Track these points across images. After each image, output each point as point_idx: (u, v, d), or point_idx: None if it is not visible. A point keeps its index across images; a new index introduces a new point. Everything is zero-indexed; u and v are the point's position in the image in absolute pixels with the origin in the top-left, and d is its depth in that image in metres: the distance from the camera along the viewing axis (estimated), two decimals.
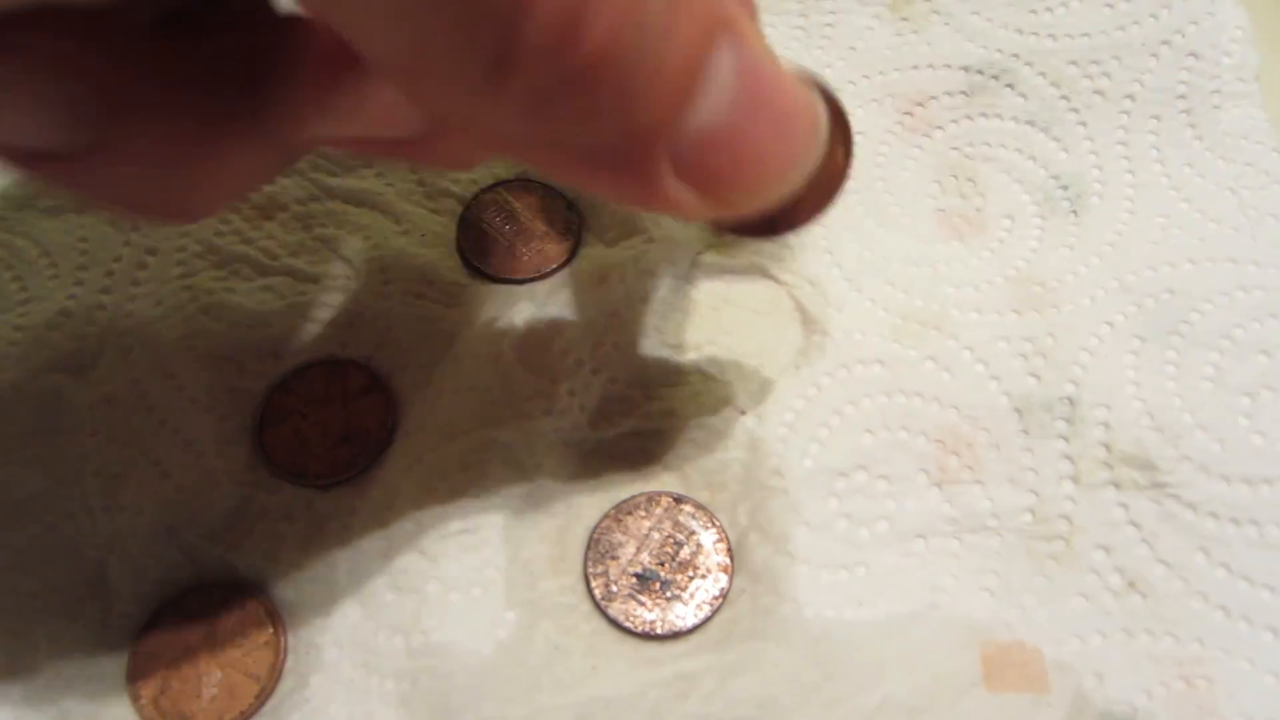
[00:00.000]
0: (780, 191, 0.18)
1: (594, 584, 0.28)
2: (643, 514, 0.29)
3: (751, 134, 0.17)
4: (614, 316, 0.32)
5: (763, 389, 0.31)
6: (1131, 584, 0.28)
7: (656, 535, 0.29)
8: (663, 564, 0.29)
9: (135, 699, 0.27)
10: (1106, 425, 0.30)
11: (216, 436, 0.30)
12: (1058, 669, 0.27)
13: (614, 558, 0.29)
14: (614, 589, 0.28)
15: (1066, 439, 0.30)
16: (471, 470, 0.30)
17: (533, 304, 0.33)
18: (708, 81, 0.16)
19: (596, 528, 0.29)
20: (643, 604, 0.28)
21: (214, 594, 0.28)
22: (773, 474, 0.29)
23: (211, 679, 0.27)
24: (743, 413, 0.31)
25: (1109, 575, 0.28)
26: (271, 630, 0.28)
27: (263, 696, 0.27)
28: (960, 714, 0.26)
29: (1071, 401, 0.30)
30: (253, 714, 0.27)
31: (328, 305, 0.33)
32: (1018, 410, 0.30)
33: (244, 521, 0.29)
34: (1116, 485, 0.29)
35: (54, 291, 0.33)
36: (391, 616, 0.28)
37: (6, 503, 0.29)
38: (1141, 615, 0.27)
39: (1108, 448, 0.29)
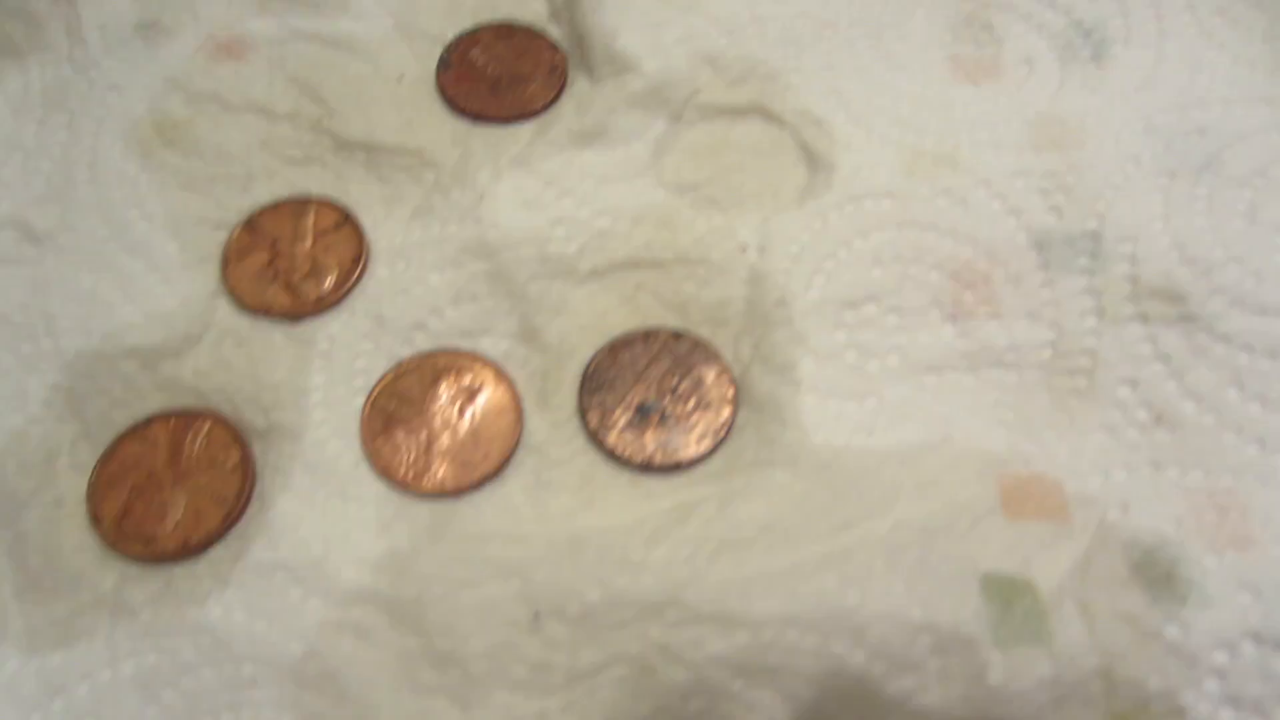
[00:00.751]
0: None
1: (589, 416, 0.27)
2: (640, 349, 0.29)
3: None
4: (604, 155, 0.32)
5: (766, 225, 0.30)
6: (1159, 418, 0.27)
7: (655, 370, 0.28)
8: (663, 397, 0.28)
9: (96, 521, 0.26)
10: (1133, 259, 0.29)
11: (183, 264, 0.29)
12: (1079, 501, 0.26)
13: (610, 390, 0.28)
14: (610, 421, 0.27)
15: (1090, 273, 0.29)
16: (460, 303, 0.29)
17: (518, 145, 0.32)
18: None
19: (591, 362, 0.28)
20: (641, 435, 0.27)
21: (179, 419, 0.27)
22: (776, 305, 0.29)
23: (176, 503, 0.26)
24: (744, 250, 0.30)
25: (1135, 410, 0.27)
26: (239, 455, 0.27)
27: (229, 520, 0.26)
28: (978, 538, 0.25)
29: (1095, 237, 0.29)
30: (219, 537, 0.26)
31: (298, 144, 0.32)
32: (1037, 245, 0.29)
33: (211, 348, 0.28)
34: (1143, 319, 0.28)
35: (12, 131, 0.32)
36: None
37: None
38: (1169, 449, 0.27)
39: (1134, 282, 0.29)
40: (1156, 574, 0.25)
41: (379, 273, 0.30)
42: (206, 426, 0.27)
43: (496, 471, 0.27)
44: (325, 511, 0.26)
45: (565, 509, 0.26)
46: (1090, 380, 0.28)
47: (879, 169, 0.31)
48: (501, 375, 0.28)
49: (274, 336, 0.29)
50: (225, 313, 0.29)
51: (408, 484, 0.26)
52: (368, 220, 0.31)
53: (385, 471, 0.27)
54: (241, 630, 0.25)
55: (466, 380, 0.28)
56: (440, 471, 0.27)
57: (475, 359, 0.28)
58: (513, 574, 0.25)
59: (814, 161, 0.31)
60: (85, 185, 0.31)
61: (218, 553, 0.26)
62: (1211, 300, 0.28)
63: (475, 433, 0.27)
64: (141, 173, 0.31)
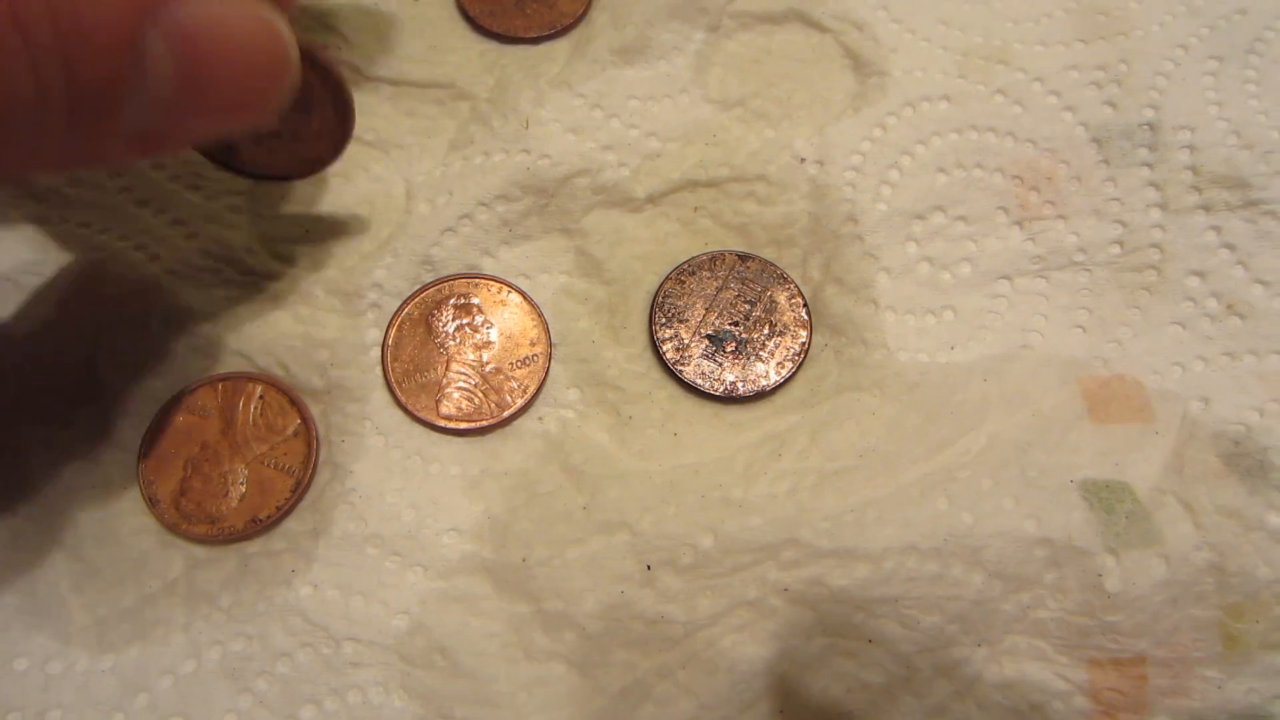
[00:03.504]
0: (254, 121, 0.18)
1: (664, 348, 0.24)
2: (707, 274, 0.25)
3: (204, 95, 0.17)
4: (645, 71, 0.27)
5: (821, 135, 0.27)
6: (1230, 306, 0.25)
7: (725, 296, 0.25)
8: (736, 324, 0.25)
9: (152, 504, 0.22)
10: (1192, 148, 0.26)
11: (206, 214, 0.25)
12: (1161, 398, 0.24)
13: (682, 320, 0.25)
14: (687, 353, 0.24)
15: (1150, 165, 0.26)
16: (514, 242, 0.25)
17: (555, 65, 0.28)
18: (145, 63, 0.16)
19: (658, 291, 0.25)
20: (720, 365, 0.24)
21: (228, 384, 0.24)
22: (845, 220, 0.25)
23: (238, 476, 0.23)
24: (802, 160, 0.26)
25: (1205, 300, 0.25)
26: (299, 419, 0.23)
27: (299, 490, 0.23)
28: (1070, 446, 0.23)
29: (1152, 127, 0.27)
30: (290, 509, 0.23)
31: None
32: (1096, 140, 0.27)
33: (252, 306, 0.24)
34: (1207, 208, 0.26)
35: None
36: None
37: None
38: (1243, 336, 0.25)
39: (1195, 171, 0.26)
40: (1249, 464, 0.23)
41: (420, 210, 0.25)
42: (259, 390, 0.24)
43: (578, 412, 0.24)
44: (407, 474, 0.23)
45: (652, 445, 0.24)
46: (1159, 274, 0.26)
47: (932, 71, 0.27)
48: (509, 288, 0.25)
49: (315, 290, 0.25)
50: (262, 266, 0.25)
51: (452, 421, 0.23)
52: (401, 156, 0.26)
53: (420, 411, 0.23)
54: (337, 608, 0.22)
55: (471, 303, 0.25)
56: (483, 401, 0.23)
57: (473, 280, 0.25)
58: (618, 526, 0.22)
59: (862, 67, 0.28)
60: None
61: (292, 526, 0.23)
62: (1274, 183, 0.26)
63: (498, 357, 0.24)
64: None
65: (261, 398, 0.23)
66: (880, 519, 0.22)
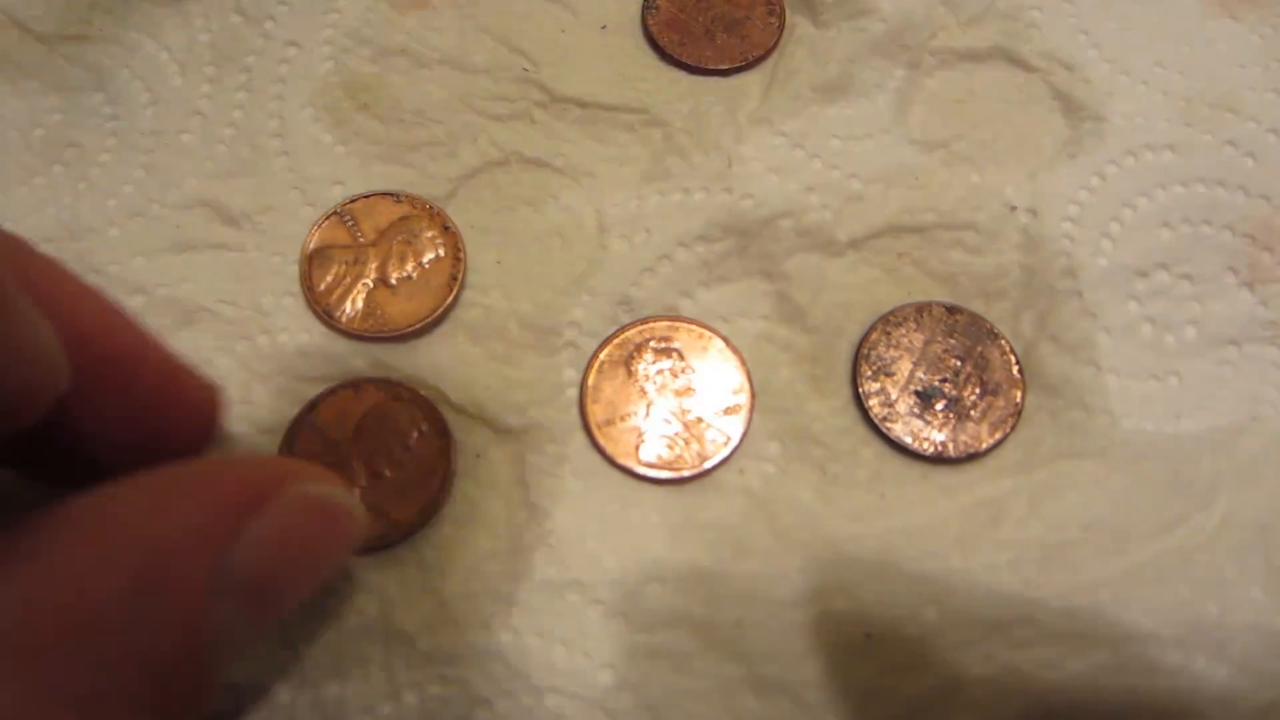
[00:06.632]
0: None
1: (870, 403, 0.24)
2: (913, 326, 0.25)
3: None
4: (847, 110, 0.27)
5: (1033, 182, 0.26)
6: None
7: (934, 349, 0.25)
8: (946, 381, 0.24)
9: None
10: None
11: None
12: None
13: (889, 374, 0.24)
14: (894, 409, 0.24)
15: None
16: (712, 284, 0.25)
17: (751, 100, 0.27)
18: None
19: (863, 342, 0.25)
20: (929, 424, 0.24)
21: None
22: (1062, 275, 0.25)
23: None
24: (1013, 209, 0.26)
25: None
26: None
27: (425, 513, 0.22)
28: None
29: None
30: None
31: (503, 98, 0.27)
32: None
33: (445, 340, 0.24)
34: None
35: (182, 91, 0.27)
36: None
37: None
38: None
39: None
40: None
41: (617, 247, 0.25)
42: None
43: (779, 467, 0.23)
44: (605, 520, 0.23)
45: (860, 507, 0.23)
46: None
47: (1154, 118, 0.26)
48: (710, 333, 0.25)
49: (509, 325, 0.25)
50: (453, 300, 0.25)
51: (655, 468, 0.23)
52: (591, 185, 0.26)
53: (620, 456, 0.23)
54: (538, 657, 0.22)
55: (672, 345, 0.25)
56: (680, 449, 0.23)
57: (674, 323, 0.25)
58: (836, 592, 0.22)
59: (1074, 111, 0.27)
60: (277, 158, 0.26)
61: (491, 568, 0.23)
62: None
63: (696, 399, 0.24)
64: (337, 143, 0.26)
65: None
66: (1117, 601, 0.21)
